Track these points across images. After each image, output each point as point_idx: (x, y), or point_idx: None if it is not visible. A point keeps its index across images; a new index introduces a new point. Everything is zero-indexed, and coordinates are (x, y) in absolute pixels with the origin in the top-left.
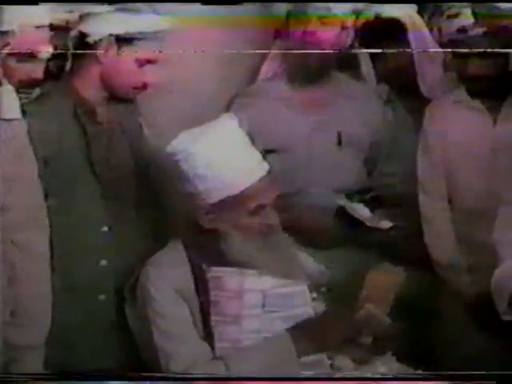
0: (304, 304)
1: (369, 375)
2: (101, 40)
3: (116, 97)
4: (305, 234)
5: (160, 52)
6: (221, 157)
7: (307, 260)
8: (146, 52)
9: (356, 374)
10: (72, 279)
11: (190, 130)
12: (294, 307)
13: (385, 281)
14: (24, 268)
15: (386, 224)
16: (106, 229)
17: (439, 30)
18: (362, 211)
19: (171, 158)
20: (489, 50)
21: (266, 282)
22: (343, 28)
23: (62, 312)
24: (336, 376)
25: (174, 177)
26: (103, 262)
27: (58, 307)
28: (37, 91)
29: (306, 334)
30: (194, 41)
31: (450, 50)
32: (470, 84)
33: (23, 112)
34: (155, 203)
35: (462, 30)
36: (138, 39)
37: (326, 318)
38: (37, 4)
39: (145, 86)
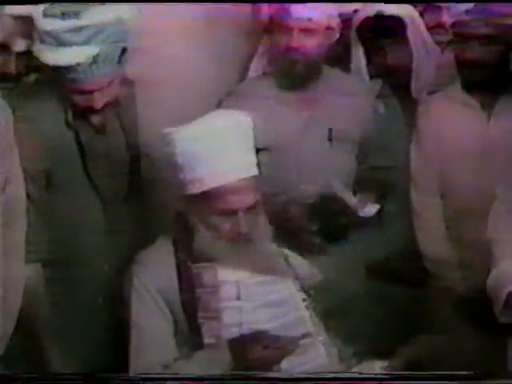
0: (284, 289)
1: (368, 375)
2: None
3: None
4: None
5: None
6: (196, 150)
7: (299, 261)
8: None
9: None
10: (73, 283)
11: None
12: (272, 293)
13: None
14: None
15: (373, 209)
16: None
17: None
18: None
19: (161, 142)
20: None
21: (240, 273)
22: (328, 28)
23: (59, 316)
24: (337, 376)
25: (161, 164)
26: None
27: (56, 311)
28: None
29: None
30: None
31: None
32: (466, 73)
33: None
34: (148, 200)
35: (470, 11)
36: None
37: None
38: (36, 4)
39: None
